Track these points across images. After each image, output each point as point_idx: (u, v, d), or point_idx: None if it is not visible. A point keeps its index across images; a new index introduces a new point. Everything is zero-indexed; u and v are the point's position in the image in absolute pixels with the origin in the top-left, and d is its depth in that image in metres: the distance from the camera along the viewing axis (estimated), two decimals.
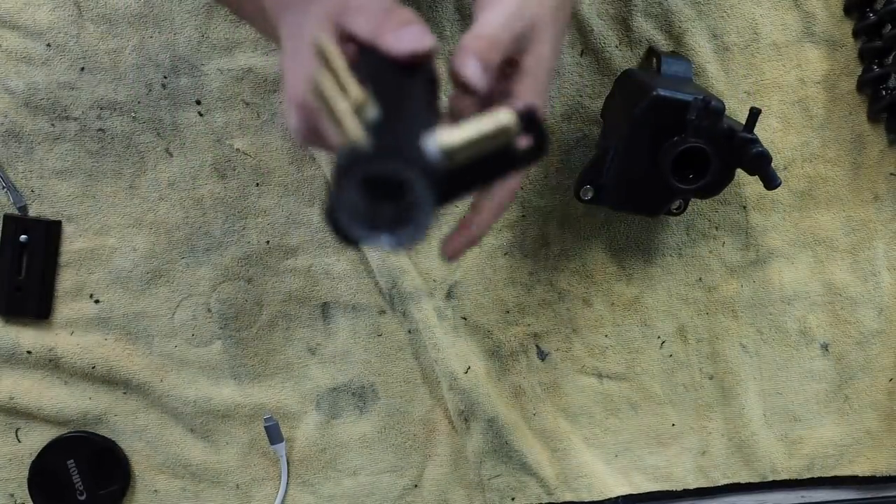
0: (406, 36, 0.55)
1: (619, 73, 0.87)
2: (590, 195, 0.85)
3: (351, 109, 0.47)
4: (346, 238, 0.48)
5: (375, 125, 0.47)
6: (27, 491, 0.92)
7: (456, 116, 0.62)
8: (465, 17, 0.91)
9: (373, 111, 0.48)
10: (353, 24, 0.57)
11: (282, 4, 0.63)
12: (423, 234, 0.46)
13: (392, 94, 0.50)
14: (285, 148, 0.91)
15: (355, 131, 0.46)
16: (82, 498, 0.91)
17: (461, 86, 0.57)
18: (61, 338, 0.91)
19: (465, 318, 0.93)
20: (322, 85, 0.50)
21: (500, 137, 0.50)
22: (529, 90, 0.61)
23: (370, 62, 0.54)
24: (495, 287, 0.93)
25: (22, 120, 0.90)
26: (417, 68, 0.55)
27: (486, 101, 0.61)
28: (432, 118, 0.53)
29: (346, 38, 0.58)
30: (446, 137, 0.48)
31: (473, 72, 0.56)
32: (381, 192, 0.45)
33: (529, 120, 0.52)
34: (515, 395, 0.94)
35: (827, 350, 0.95)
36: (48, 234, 0.90)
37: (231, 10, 0.70)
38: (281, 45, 0.63)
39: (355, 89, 0.48)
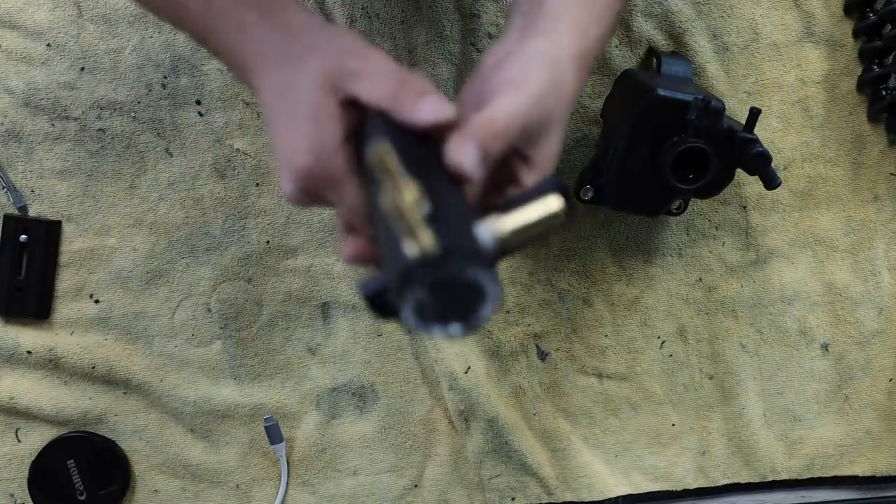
0: (428, 107, 0.53)
1: (619, 73, 0.87)
2: (590, 195, 0.85)
3: (422, 219, 0.47)
4: (388, 315, 0.49)
5: (430, 220, 0.47)
6: (27, 491, 0.92)
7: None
8: (466, 17, 0.91)
9: (426, 207, 0.48)
10: (358, 89, 0.55)
11: (264, 54, 0.58)
12: (490, 317, 0.47)
13: (426, 175, 0.50)
14: None
15: (428, 241, 0.46)
16: (82, 498, 0.91)
17: (452, 173, 0.52)
18: (61, 338, 0.91)
19: None
20: (387, 195, 0.49)
21: (550, 221, 0.51)
22: (535, 179, 0.57)
23: (385, 132, 0.53)
24: None
25: (22, 120, 0.90)
26: (433, 139, 0.54)
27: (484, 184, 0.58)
28: (465, 200, 0.53)
29: (346, 102, 0.56)
30: (499, 227, 0.50)
31: (470, 160, 0.52)
32: (451, 291, 0.46)
33: (565, 195, 0.53)
34: (515, 395, 0.94)
35: (827, 350, 0.95)
36: (48, 234, 0.90)
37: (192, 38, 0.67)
38: (263, 100, 0.59)
39: (412, 189, 0.48)
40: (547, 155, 0.58)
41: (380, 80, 0.55)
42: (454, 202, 0.50)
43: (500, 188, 0.58)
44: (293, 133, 0.56)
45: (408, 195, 0.48)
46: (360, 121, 0.57)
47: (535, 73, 0.57)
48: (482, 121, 0.54)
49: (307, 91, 0.56)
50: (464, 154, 0.52)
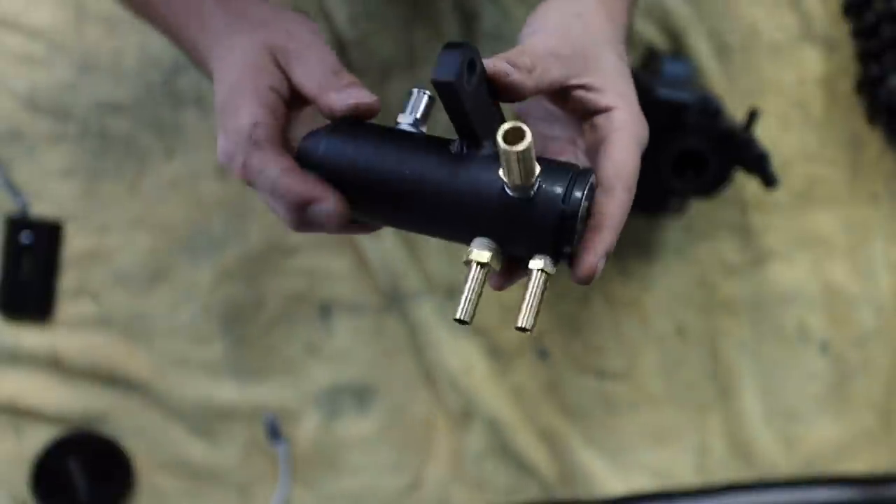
0: (349, 95, 0.55)
1: None
2: None
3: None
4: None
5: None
6: (29, 491, 0.92)
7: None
8: (466, 17, 0.91)
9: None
10: (294, 71, 0.58)
11: (218, 36, 0.61)
12: None
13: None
14: None
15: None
16: (83, 497, 0.91)
17: (491, 72, 0.53)
18: (62, 337, 0.91)
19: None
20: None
21: None
22: (602, 99, 0.57)
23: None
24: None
25: (23, 120, 0.90)
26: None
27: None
28: None
29: (282, 77, 0.58)
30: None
31: (503, 66, 0.53)
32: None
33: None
34: (515, 395, 0.94)
35: (826, 349, 0.96)
36: (49, 234, 0.90)
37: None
38: (213, 73, 0.61)
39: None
40: (606, 75, 0.58)
41: (313, 67, 0.57)
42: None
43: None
44: (220, 83, 0.58)
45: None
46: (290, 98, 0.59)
47: (553, 12, 0.59)
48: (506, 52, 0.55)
49: (250, 50, 0.58)
50: (494, 63, 0.53)
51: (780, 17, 0.92)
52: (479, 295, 0.53)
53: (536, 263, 0.54)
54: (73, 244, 0.91)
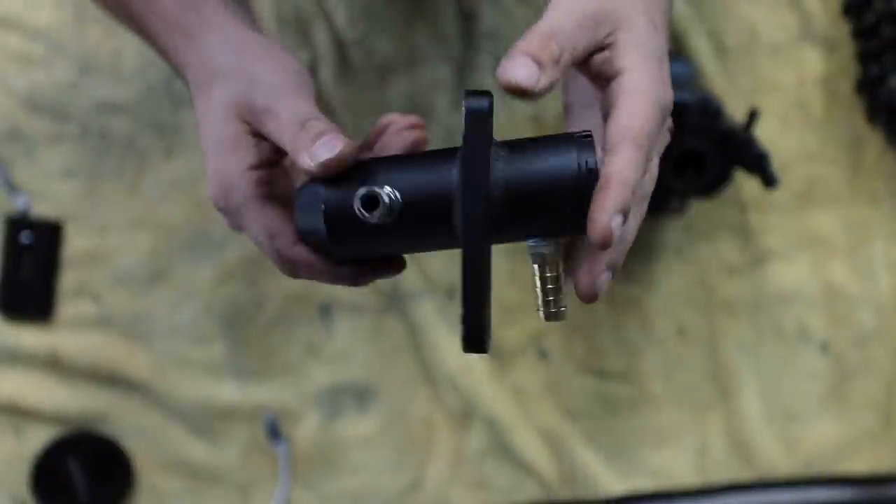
0: (318, 151, 0.52)
1: None
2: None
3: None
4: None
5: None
6: (28, 491, 0.92)
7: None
8: (466, 18, 0.91)
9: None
10: (265, 128, 0.56)
11: (192, 81, 0.60)
12: None
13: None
14: None
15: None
16: (83, 497, 0.91)
17: (515, 91, 0.49)
18: (62, 337, 0.91)
19: None
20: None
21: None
22: (630, 65, 0.51)
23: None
24: (495, 287, 0.93)
25: (23, 120, 0.90)
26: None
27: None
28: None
29: (255, 134, 0.56)
30: None
31: (524, 72, 0.48)
32: None
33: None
34: (515, 395, 0.94)
35: (826, 349, 0.96)
36: (49, 234, 0.90)
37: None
38: (198, 118, 0.60)
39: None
40: (629, 35, 0.52)
41: (284, 122, 0.55)
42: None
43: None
44: (208, 160, 0.59)
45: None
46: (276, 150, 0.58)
47: None
48: (526, 34, 0.50)
49: (216, 121, 0.57)
50: (514, 68, 0.48)
51: (780, 17, 0.92)
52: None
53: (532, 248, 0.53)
54: (73, 244, 0.91)
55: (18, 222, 0.90)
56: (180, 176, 0.91)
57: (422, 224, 0.52)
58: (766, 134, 0.92)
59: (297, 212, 0.54)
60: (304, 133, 0.53)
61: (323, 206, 0.53)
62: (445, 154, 0.53)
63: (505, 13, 0.91)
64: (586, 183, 0.50)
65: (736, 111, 0.91)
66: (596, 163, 0.51)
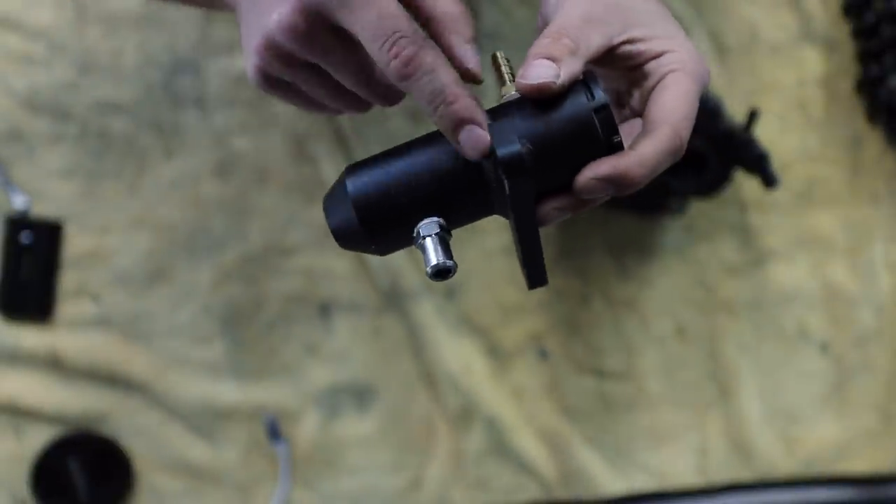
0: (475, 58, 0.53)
1: None
2: None
3: None
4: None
5: None
6: (28, 491, 0.92)
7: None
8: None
9: None
10: (350, 16, 0.51)
11: None
12: None
13: None
14: (285, 148, 0.91)
15: None
16: (83, 497, 0.91)
17: (539, 94, 0.50)
18: (62, 337, 0.91)
19: (465, 318, 0.94)
20: None
21: None
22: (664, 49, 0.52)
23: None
24: (495, 287, 0.93)
25: (23, 120, 0.90)
26: None
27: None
28: None
29: (322, 23, 0.52)
30: None
31: (542, 71, 0.49)
32: None
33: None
34: (515, 395, 0.94)
35: (826, 349, 0.96)
36: (49, 234, 0.90)
37: None
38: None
39: None
40: (649, 22, 0.53)
41: (387, 11, 0.51)
42: None
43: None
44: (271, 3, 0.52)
45: None
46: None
47: None
48: (538, 39, 0.51)
49: None
50: (532, 70, 0.49)
51: (780, 17, 0.92)
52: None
53: None
54: (73, 244, 0.91)
55: (18, 222, 0.90)
56: (180, 176, 0.91)
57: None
58: (766, 134, 0.92)
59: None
60: (466, 22, 0.54)
61: None
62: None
63: (505, 13, 0.91)
64: (603, 116, 0.51)
65: (736, 111, 0.91)
66: (604, 93, 0.51)
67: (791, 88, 0.93)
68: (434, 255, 0.53)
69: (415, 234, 0.54)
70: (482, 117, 0.51)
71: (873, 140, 0.94)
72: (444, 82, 0.51)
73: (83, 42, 0.89)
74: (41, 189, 0.91)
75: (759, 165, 0.84)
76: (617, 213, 0.93)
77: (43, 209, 0.91)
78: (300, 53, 0.54)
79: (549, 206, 0.53)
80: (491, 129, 0.51)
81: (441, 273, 0.54)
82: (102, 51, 0.90)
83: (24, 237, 0.90)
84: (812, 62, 0.93)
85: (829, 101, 0.93)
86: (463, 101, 0.51)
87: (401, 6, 0.51)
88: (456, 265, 0.54)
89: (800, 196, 0.94)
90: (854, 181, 0.94)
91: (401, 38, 0.50)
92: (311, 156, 0.91)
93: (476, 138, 0.51)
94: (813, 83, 0.93)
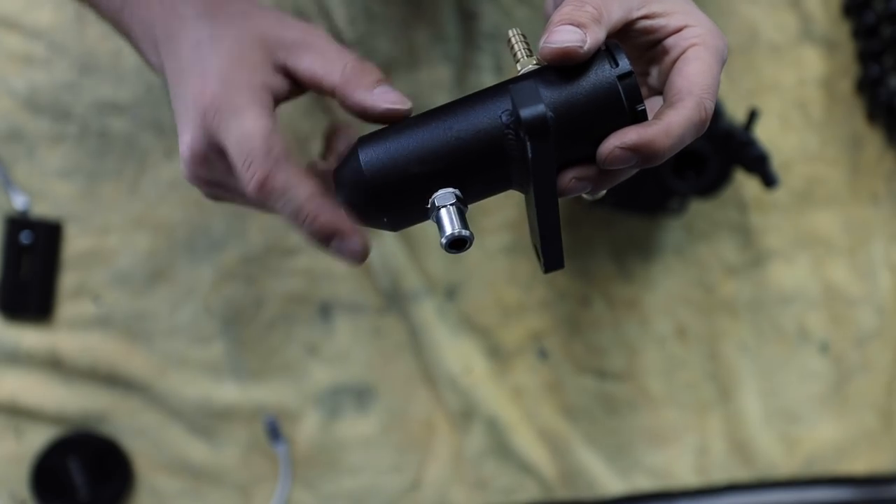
0: (385, 95, 0.51)
1: None
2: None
3: None
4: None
5: None
6: (28, 491, 0.92)
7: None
8: (466, 18, 0.91)
9: None
10: (300, 62, 0.52)
11: (184, 18, 0.54)
12: None
13: None
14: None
15: None
16: (83, 497, 0.91)
17: (563, 58, 0.49)
18: (62, 337, 0.91)
19: (466, 318, 0.94)
20: None
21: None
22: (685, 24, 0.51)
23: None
24: (495, 287, 0.94)
25: (23, 120, 0.90)
26: None
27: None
28: None
29: (281, 69, 0.53)
30: None
31: (568, 36, 0.48)
32: None
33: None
34: (515, 395, 0.94)
35: (826, 349, 0.96)
36: (49, 234, 0.90)
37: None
38: (176, 57, 0.54)
39: None
40: (679, 7, 0.53)
41: (330, 57, 0.52)
42: None
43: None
44: (204, 75, 0.52)
45: None
46: (290, 95, 0.55)
47: None
48: (557, 10, 0.50)
49: (234, 41, 0.52)
50: (558, 34, 0.49)
51: (780, 17, 0.92)
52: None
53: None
54: (73, 244, 0.91)
55: (18, 222, 0.90)
56: (180, 176, 0.91)
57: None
58: (766, 134, 0.92)
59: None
60: (364, 73, 0.52)
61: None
62: (483, 95, 0.53)
63: (505, 13, 0.91)
64: (627, 84, 0.51)
65: (736, 111, 0.91)
66: (629, 62, 0.51)
67: (791, 88, 0.93)
68: (449, 225, 0.51)
69: (429, 206, 0.52)
70: (348, 225, 0.51)
71: (873, 140, 0.94)
72: (300, 201, 0.50)
73: (83, 42, 0.89)
74: (41, 189, 0.91)
75: (759, 165, 0.84)
76: (618, 214, 0.93)
77: (43, 209, 0.91)
78: (211, 176, 0.55)
79: (570, 175, 0.53)
80: (513, 91, 0.50)
81: (457, 243, 0.51)
82: (102, 51, 0.90)
83: (24, 237, 0.90)
84: (812, 62, 0.93)
85: (829, 101, 0.93)
86: (324, 215, 0.50)
87: (270, 118, 0.51)
88: (472, 236, 0.51)
89: (800, 196, 0.94)
90: (854, 181, 0.94)
91: (254, 160, 0.50)
92: (311, 156, 0.91)
93: (349, 248, 0.51)
94: (813, 83, 0.93)
